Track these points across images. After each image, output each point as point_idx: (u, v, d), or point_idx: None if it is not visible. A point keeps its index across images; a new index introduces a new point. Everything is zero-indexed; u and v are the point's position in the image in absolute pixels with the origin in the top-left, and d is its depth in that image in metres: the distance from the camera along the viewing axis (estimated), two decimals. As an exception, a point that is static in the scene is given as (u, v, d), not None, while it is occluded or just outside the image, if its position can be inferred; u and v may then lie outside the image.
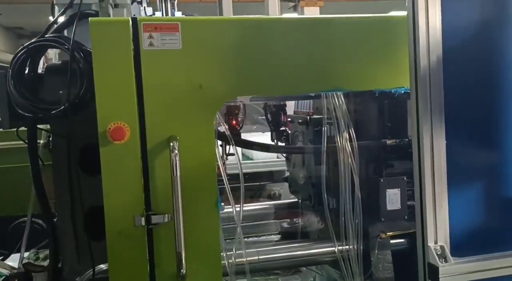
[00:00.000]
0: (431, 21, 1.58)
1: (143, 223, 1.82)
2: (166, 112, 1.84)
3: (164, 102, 1.83)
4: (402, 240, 2.37)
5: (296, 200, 3.13)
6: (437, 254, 1.56)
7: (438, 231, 1.60)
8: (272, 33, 1.93)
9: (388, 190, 2.29)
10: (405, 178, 2.29)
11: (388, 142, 2.30)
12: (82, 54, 2.04)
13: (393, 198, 2.30)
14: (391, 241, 2.36)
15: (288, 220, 3.20)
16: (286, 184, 3.21)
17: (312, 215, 2.84)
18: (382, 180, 2.28)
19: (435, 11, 1.58)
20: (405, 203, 2.30)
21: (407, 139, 2.28)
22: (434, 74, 1.59)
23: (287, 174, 3.16)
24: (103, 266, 2.11)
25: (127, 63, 1.78)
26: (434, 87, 1.60)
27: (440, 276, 1.52)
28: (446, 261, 1.55)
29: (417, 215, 1.64)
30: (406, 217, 2.31)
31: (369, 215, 2.32)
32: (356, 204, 2.29)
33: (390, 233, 2.35)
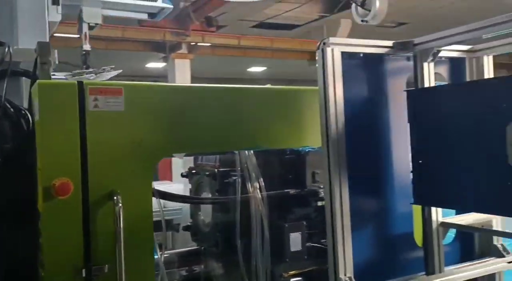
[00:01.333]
0: (337, 95, 2.01)
1: (84, 275, 1.90)
2: (108, 168, 1.98)
3: (107, 158, 1.98)
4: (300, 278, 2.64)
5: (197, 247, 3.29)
6: (347, 284, 1.92)
7: (346, 265, 1.96)
8: (202, 98, 2.21)
9: (291, 233, 2.58)
10: (304, 223, 2.62)
11: (291, 192, 2.65)
12: (12, 110, 2.09)
13: (295, 241, 2.64)
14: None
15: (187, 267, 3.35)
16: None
17: (219, 261, 3.05)
18: (286, 225, 2.55)
19: (339, 87, 2.02)
20: (305, 245, 2.61)
21: (306, 189, 2.61)
22: (340, 136, 2.01)
23: (189, 223, 3.32)
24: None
25: (73, 123, 1.91)
26: (340, 146, 2.02)
27: (350, 302, 1.88)
28: (354, 289, 1.92)
29: (329, 253, 2.00)
30: (306, 257, 2.66)
31: (275, 256, 2.61)
32: (265, 246, 2.57)
33: (292, 272, 2.66)
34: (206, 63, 13.98)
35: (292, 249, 2.55)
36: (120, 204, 1.91)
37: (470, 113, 1.78)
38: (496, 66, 2.38)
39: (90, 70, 2.60)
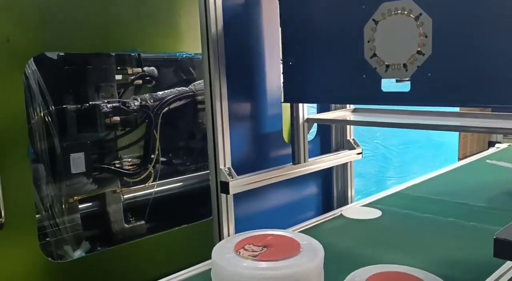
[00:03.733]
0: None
1: (-45, 176, 1.81)
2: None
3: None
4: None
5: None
6: (226, 173, 2.12)
7: (225, 157, 2.15)
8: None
9: (72, 154, 2.37)
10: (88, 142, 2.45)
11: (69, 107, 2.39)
12: None
13: (77, 162, 2.39)
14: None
15: None
16: None
17: None
18: (64, 145, 2.37)
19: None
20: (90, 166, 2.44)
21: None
22: (220, 40, 2.12)
23: None
24: None
25: None
26: (220, 51, 2.13)
27: (230, 188, 2.09)
28: (232, 177, 2.12)
29: (209, 147, 2.16)
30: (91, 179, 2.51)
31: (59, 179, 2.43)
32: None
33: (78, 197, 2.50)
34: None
35: (74, 171, 2.41)
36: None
37: (334, 14, 2.01)
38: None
39: None
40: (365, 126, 2.41)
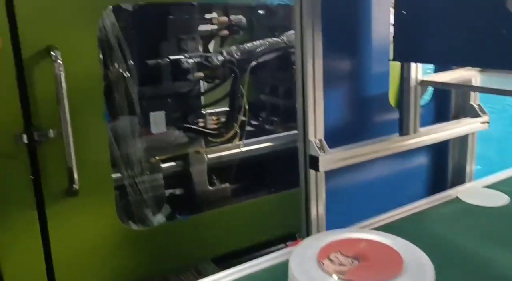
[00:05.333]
0: None
1: (26, 141, 1.70)
2: (41, 18, 1.67)
3: (39, 6, 1.66)
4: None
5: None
6: (317, 146, 1.80)
7: (317, 128, 1.82)
8: None
9: (151, 113, 2.21)
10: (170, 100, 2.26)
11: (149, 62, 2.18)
12: None
13: (157, 121, 2.22)
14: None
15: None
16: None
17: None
18: (144, 103, 2.19)
19: None
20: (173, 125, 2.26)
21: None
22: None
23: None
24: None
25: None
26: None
27: (320, 164, 1.78)
28: (324, 151, 1.80)
29: (299, 114, 1.84)
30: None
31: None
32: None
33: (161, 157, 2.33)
34: None
35: (154, 130, 2.24)
36: (60, 61, 1.65)
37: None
38: None
39: None
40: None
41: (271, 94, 2.97)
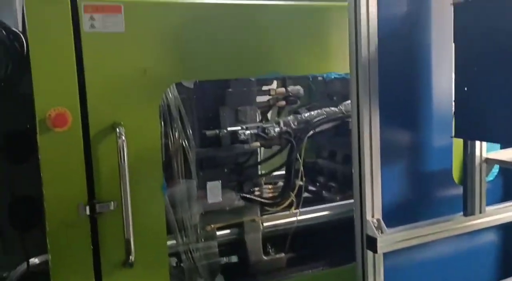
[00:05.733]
0: (371, 12, 1.70)
1: (88, 212, 1.77)
2: (109, 97, 1.78)
3: (107, 87, 1.77)
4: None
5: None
6: (374, 227, 1.73)
7: (374, 206, 1.76)
8: (212, 18, 1.94)
9: (208, 182, 2.23)
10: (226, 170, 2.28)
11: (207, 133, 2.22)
12: (5, 33, 1.88)
13: (213, 191, 2.25)
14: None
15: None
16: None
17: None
18: (201, 173, 2.22)
19: (373, 3, 1.71)
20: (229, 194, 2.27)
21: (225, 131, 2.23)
22: (372, 61, 1.73)
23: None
24: (35, 260, 2.03)
25: (67, 46, 1.69)
26: (372, 73, 1.75)
27: (378, 245, 1.70)
28: (382, 232, 1.73)
29: (355, 192, 1.80)
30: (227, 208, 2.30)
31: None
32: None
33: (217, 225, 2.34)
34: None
35: (210, 200, 2.24)
36: (123, 137, 1.73)
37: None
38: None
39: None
40: None
41: (330, 159, 2.93)
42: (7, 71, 1.85)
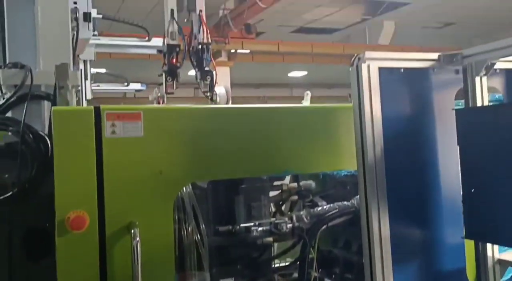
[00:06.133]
0: (375, 114, 1.79)
1: (101, 312, 1.77)
2: (126, 198, 1.85)
3: (124, 188, 1.85)
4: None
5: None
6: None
7: (387, 307, 1.74)
8: (225, 121, 2.05)
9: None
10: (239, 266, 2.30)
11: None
12: (32, 136, 2.00)
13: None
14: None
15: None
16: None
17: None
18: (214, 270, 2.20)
19: (377, 105, 1.80)
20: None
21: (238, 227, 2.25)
22: (378, 159, 1.79)
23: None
24: None
25: (89, 151, 1.79)
26: (379, 172, 1.80)
27: None
28: None
29: (368, 293, 1.78)
30: None
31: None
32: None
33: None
34: (246, 69, 13.93)
35: None
36: (138, 239, 1.77)
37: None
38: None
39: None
40: None
41: (344, 249, 2.90)
42: (31, 173, 1.94)
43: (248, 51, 12.27)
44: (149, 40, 4.23)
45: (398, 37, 12.75)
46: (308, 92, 6.55)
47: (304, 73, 17.01)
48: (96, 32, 4.58)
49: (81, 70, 3.82)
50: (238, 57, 12.43)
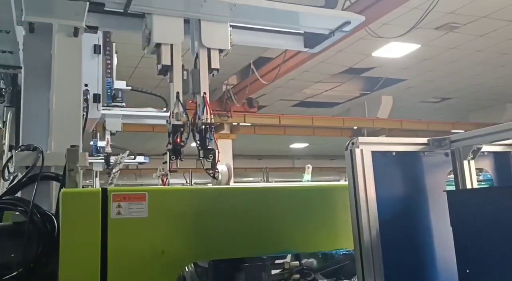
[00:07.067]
0: (369, 195, 1.87)
1: None
2: (128, 279, 1.89)
3: (128, 268, 1.89)
4: None
5: None
6: None
7: None
8: (227, 202, 2.13)
9: None
10: None
11: None
12: (39, 216, 2.07)
13: None
14: None
15: None
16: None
17: None
18: None
19: (371, 187, 1.88)
20: None
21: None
22: (374, 242, 1.84)
23: None
24: None
25: (94, 231, 1.86)
26: (375, 253, 1.84)
27: None
28: None
29: None
30: None
31: None
32: None
33: None
34: (249, 140, 14.19)
35: None
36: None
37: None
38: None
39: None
40: None
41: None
42: (37, 252, 1.99)
43: (249, 124, 12.58)
44: (167, 110, 4.35)
45: (396, 110, 13.12)
46: (309, 165, 6.64)
47: (306, 144, 17.28)
48: (124, 104, 4.70)
49: (107, 139, 3.94)
50: (240, 129, 12.72)
